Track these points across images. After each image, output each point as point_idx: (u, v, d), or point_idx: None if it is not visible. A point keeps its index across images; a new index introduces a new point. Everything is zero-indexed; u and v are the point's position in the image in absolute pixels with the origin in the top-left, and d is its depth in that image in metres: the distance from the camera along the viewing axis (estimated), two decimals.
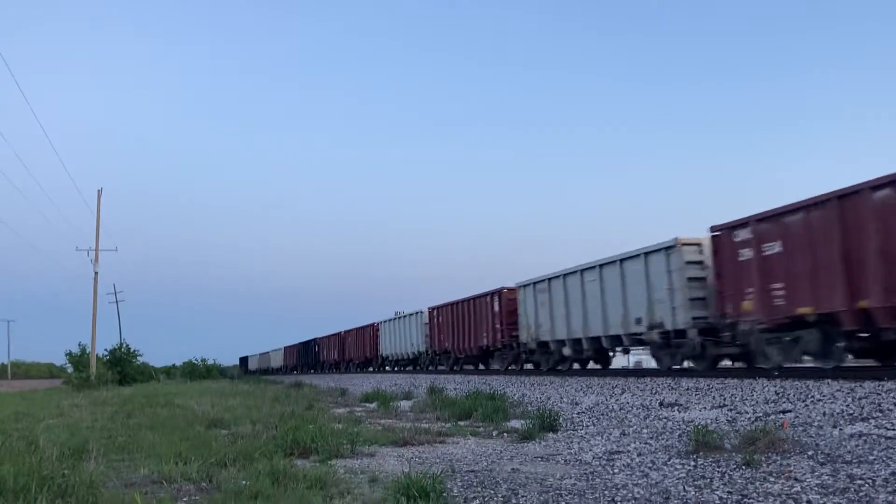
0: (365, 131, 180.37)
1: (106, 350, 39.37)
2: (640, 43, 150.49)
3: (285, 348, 67.38)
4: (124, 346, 39.88)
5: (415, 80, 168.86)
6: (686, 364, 16.01)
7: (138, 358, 40.89)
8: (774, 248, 12.76)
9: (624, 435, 9.31)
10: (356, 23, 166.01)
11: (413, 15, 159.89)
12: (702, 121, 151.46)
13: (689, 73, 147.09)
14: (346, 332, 46.15)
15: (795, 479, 5.81)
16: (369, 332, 40.29)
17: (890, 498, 5.09)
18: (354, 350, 43.12)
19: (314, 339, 55.60)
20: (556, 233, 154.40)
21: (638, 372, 17.29)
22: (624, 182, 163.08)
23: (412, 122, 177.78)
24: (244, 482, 6.05)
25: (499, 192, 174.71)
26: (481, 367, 27.22)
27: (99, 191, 39.40)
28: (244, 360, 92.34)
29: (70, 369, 40.96)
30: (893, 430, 7.40)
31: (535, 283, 21.60)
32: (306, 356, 57.86)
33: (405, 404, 16.34)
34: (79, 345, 39.57)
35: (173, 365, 69.59)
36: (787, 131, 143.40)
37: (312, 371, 55.46)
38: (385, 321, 36.55)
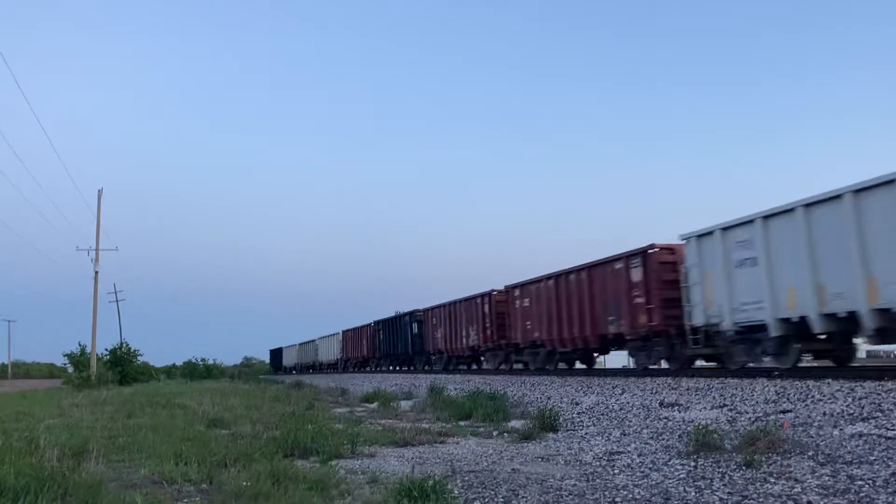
0: (363, 132, 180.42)
1: (106, 350, 39.41)
2: (639, 43, 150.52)
3: (345, 333, 46.75)
4: (124, 345, 39.87)
5: (415, 79, 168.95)
6: None
7: (138, 358, 40.90)
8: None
9: (624, 435, 9.31)
10: (356, 24, 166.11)
11: (410, 15, 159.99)
12: (700, 121, 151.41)
13: (689, 72, 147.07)
14: (512, 289, 23.34)
15: (796, 480, 5.81)
16: (608, 276, 18.19)
17: (890, 499, 5.09)
18: (543, 324, 21.21)
19: (412, 314, 33.15)
20: (553, 232, 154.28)
21: (637, 372, 17.28)
22: (625, 182, 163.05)
23: (410, 122, 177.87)
24: (245, 483, 6.05)
25: (496, 193, 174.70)
26: None
27: (99, 191, 39.47)
28: (276, 354, 74.30)
29: (70, 369, 40.94)
30: (894, 430, 7.40)
31: None
32: (394, 343, 35.64)
33: (406, 404, 16.36)
34: (79, 344, 39.61)
35: (174, 365, 69.23)
36: (786, 131, 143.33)
37: (408, 368, 34.20)
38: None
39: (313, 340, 57.01)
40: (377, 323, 39.29)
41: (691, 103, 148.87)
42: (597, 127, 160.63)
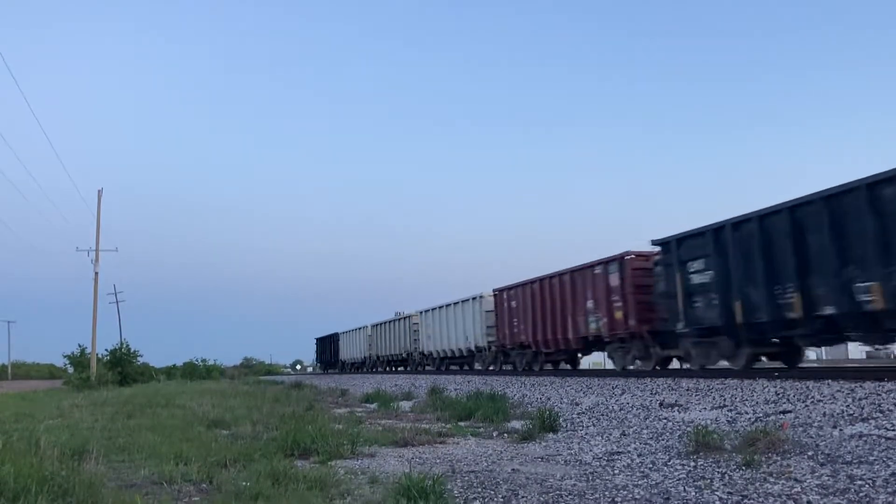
0: (363, 132, 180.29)
1: (106, 350, 39.39)
2: (636, 43, 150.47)
3: (500, 295, 24.81)
4: (124, 346, 39.83)
5: (415, 80, 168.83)
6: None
7: (138, 358, 40.85)
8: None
9: (624, 435, 9.31)
10: (355, 23, 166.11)
11: (409, 14, 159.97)
12: (698, 121, 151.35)
13: (689, 72, 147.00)
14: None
15: (795, 480, 5.82)
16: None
17: (890, 499, 5.09)
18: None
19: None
20: (552, 232, 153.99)
21: (638, 373, 17.31)
22: (621, 181, 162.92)
23: (410, 122, 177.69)
24: (244, 483, 6.05)
25: (494, 193, 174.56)
26: None
27: (99, 191, 39.51)
28: (328, 345, 54.23)
29: (70, 370, 40.95)
30: (894, 430, 7.40)
31: None
32: (738, 293, 13.47)
33: (406, 405, 16.36)
34: (79, 346, 39.64)
35: (174, 365, 68.98)
36: (784, 131, 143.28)
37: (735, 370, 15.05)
38: None
39: (407, 317, 35.48)
40: (611, 262, 18.23)
41: (690, 103, 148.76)
42: (595, 127, 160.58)
